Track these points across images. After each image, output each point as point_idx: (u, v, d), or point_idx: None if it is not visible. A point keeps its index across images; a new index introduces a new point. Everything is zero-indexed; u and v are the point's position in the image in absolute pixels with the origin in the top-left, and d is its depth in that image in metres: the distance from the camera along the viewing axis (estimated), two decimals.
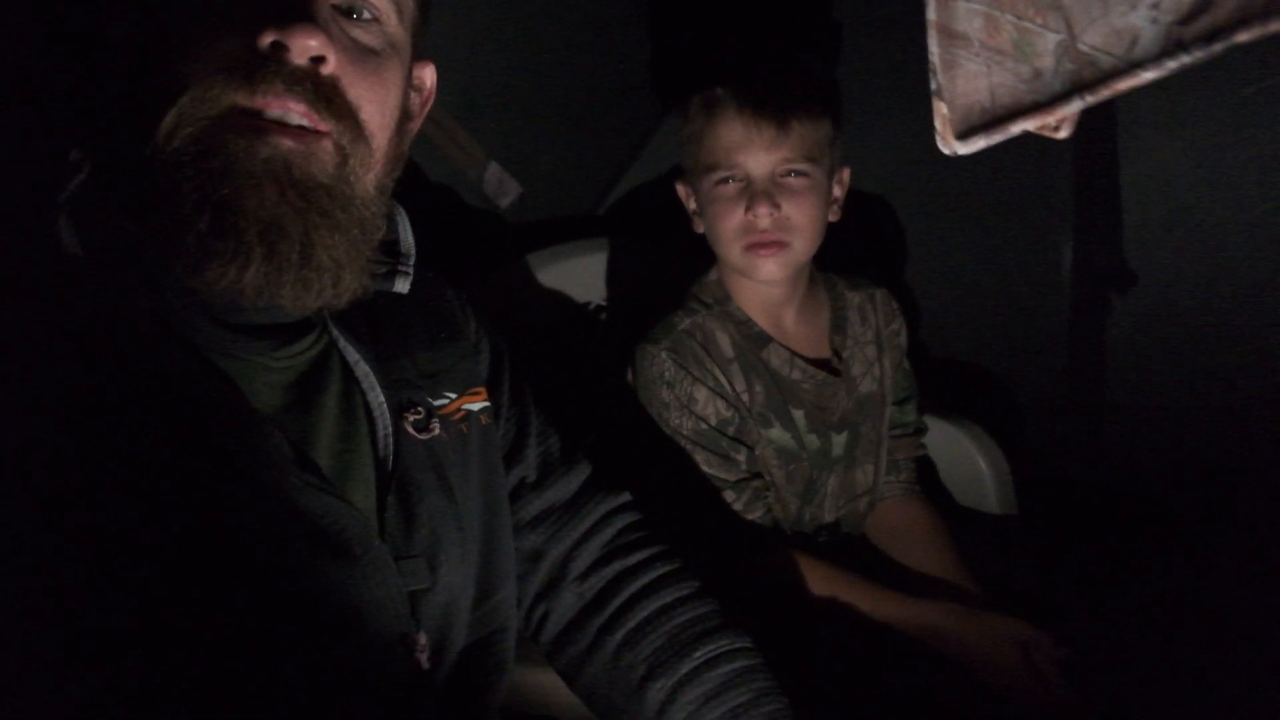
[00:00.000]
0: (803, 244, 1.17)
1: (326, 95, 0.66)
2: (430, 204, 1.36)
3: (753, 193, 1.14)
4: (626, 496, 0.96)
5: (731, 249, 1.18)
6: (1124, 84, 0.54)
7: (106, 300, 0.63)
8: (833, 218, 1.21)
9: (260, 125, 0.63)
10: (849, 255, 1.30)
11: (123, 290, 0.64)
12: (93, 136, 0.67)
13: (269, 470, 0.66)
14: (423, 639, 0.73)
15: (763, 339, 1.22)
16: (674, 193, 1.28)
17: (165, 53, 0.64)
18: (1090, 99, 0.55)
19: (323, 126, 0.66)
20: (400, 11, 0.73)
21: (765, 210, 1.13)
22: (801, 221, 1.16)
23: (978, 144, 0.60)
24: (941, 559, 1.21)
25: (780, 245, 1.15)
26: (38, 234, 0.63)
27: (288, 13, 0.64)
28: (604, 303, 1.46)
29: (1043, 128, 0.58)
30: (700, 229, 1.25)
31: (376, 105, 0.70)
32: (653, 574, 0.90)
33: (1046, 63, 0.57)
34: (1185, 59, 0.51)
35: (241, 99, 0.63)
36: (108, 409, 0.60)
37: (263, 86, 0.63)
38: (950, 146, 0.60)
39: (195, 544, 0.61)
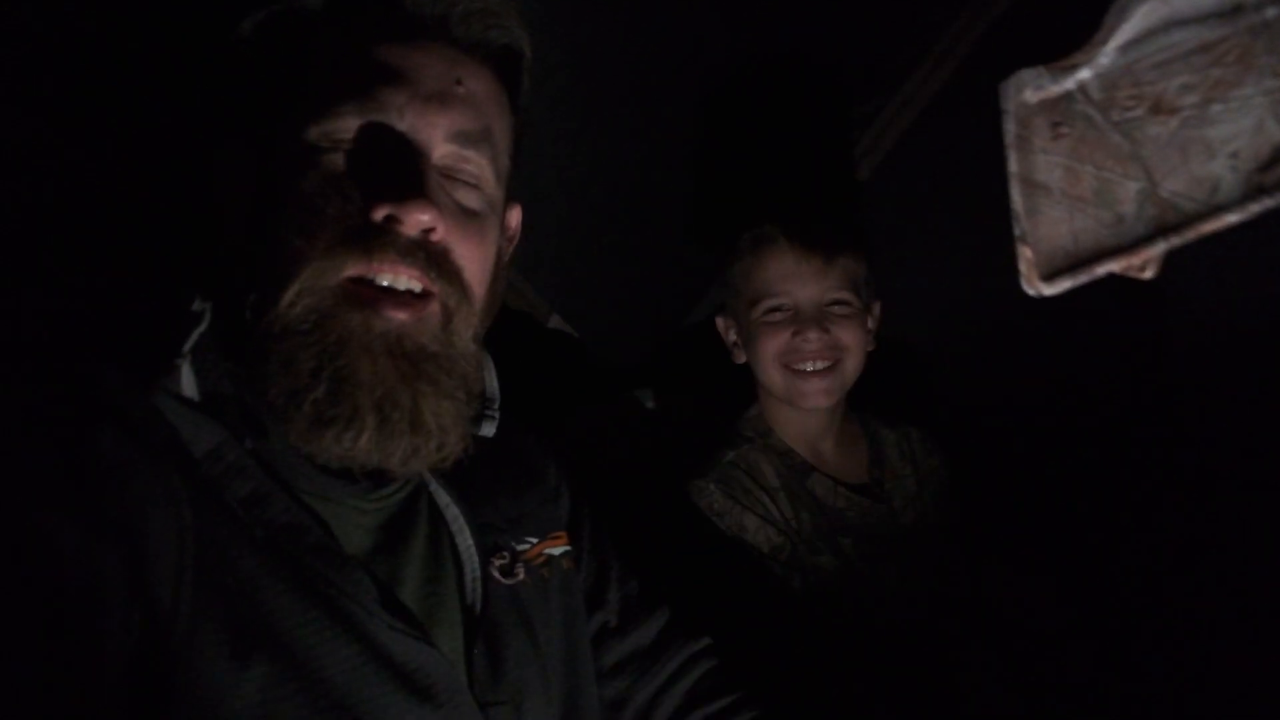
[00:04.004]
0: (851, 364, 1.23)
1: (437, 261, 0.70)
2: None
3: (802, 319, 1.21)
4: (706, 641, 0.96)
5: (775, 372, 1.23)
6: (1208, 226, 0.56)
7: (216, 443, 0.66)
8: (869, 347, 1.27)
9: (373, 296, 0.67)
10: None
11: (232, 433, 0.67)
12: (209, 288, 0.71)
13: (357, 612, 0.66)
14: None
15: (805, 468, 1.26)
16: (718, 344, 1.33)
17: (284, 221, 0.68)
18: (1176, 241, 0.58)
19: (433, 289, 0.70)
20: (497, 173, 0.78)
21: (815, 334, 1.20)
22: (849, 342, 1.22)
23: (1063, 285, 0.62)
24: None
25: (830, 370, 1.21)
26: (162, 378, 0.66)
27: (401, 188, 0.68)
28: (659, 449, 1.48)
29: (1128, 269, 0.60)
30: (741, 359, 1.30)
31: (478, 264, 0.75)
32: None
33: (1128, 209, 0.60)
34: (1268, 202, 0.54)
35: (358, 268, 0.67)
36: (210, 541, 0.62)
37: (378, 256, 0.67)
38: (1036, 288, 0.62)
39: (281, 684, 0.61)
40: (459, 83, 0.74)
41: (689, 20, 1.31)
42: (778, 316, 1.23)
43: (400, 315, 0.68)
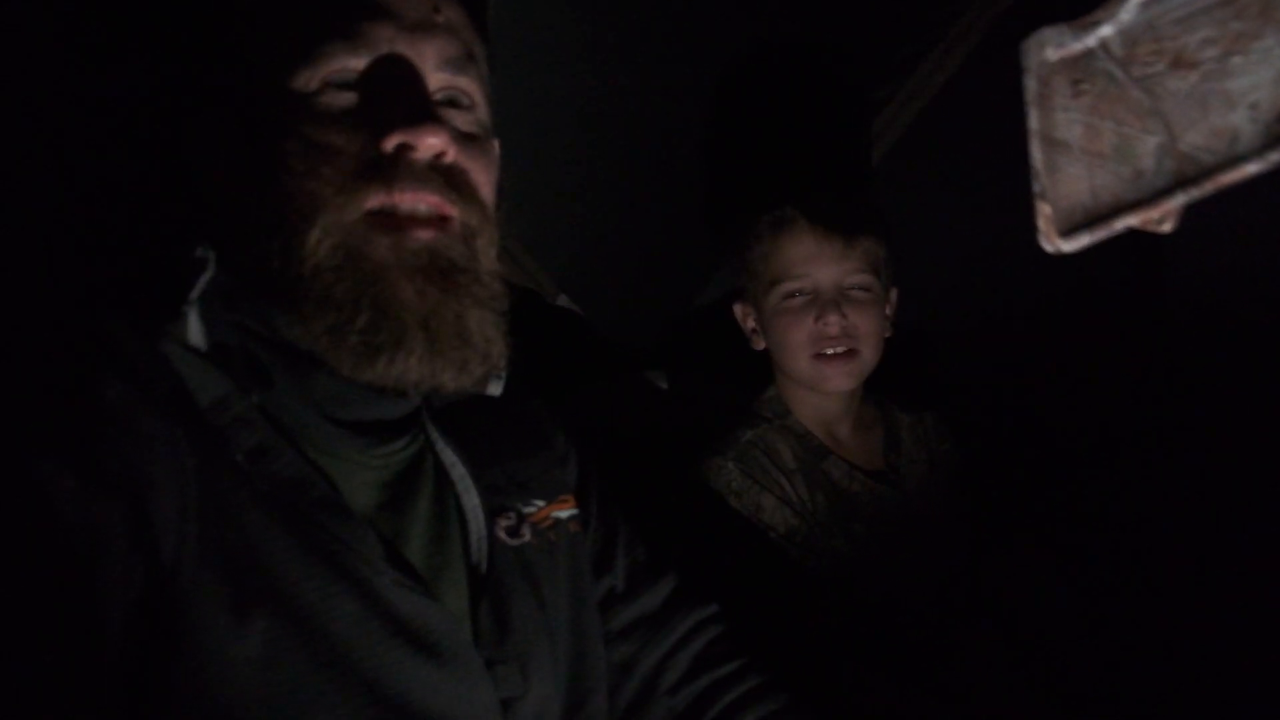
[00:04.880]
0: (869, 352, 1.22)
1: (454, 184, 0.70)
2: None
3: (822, 303, 1.20)
4: (715, 607, 0.95)
5: (799, 358, 1.22)
6: (1227, 177, 0.56)
7: (222, 393, 0.66)
8: (887, 334, 1.26)
9: (397, 223, 0.67)
10: None
11: (237, 384, 0.67)
12: (212, 235, 0.71)
13: (361, 567, 0.66)
14: None
15: (822, 451, 1.25)
16: (730, 326, 1.33)
17: (289, 166, 0.67)
18: (1194, 193, 0.58)
19: (451, 211, 0.70)
20: (485, 96, 0.78)
21: (835, 319, 1.19)
22: (868, 330, 1.21)
23: (1082, 240, 0.62)
24: None
25: (850, 354, 1.20)
26: (169, 325, 0.66)
27: (408, 115, 0.68)
28: (666, 426, 1.48)
29: (1146, 222, 0.60)
30: (760, 345, 1.29)
31: (489, 185, 0.75)
32: (744, 687, 0.88)
33: (1147, 163, 0.60)
34: None
35: (378, 199, 0.67)
36: (213, 493, 0.62)
37: (398, 184, 0.67)
38: (1054, 244, 0.63)
39: (284, 637, 0.61)
40: (436, 10, 0.74)
41: (700, 4, 1.31)
42: (798, 301, 1.22)
43: (425, 233, 0.68)
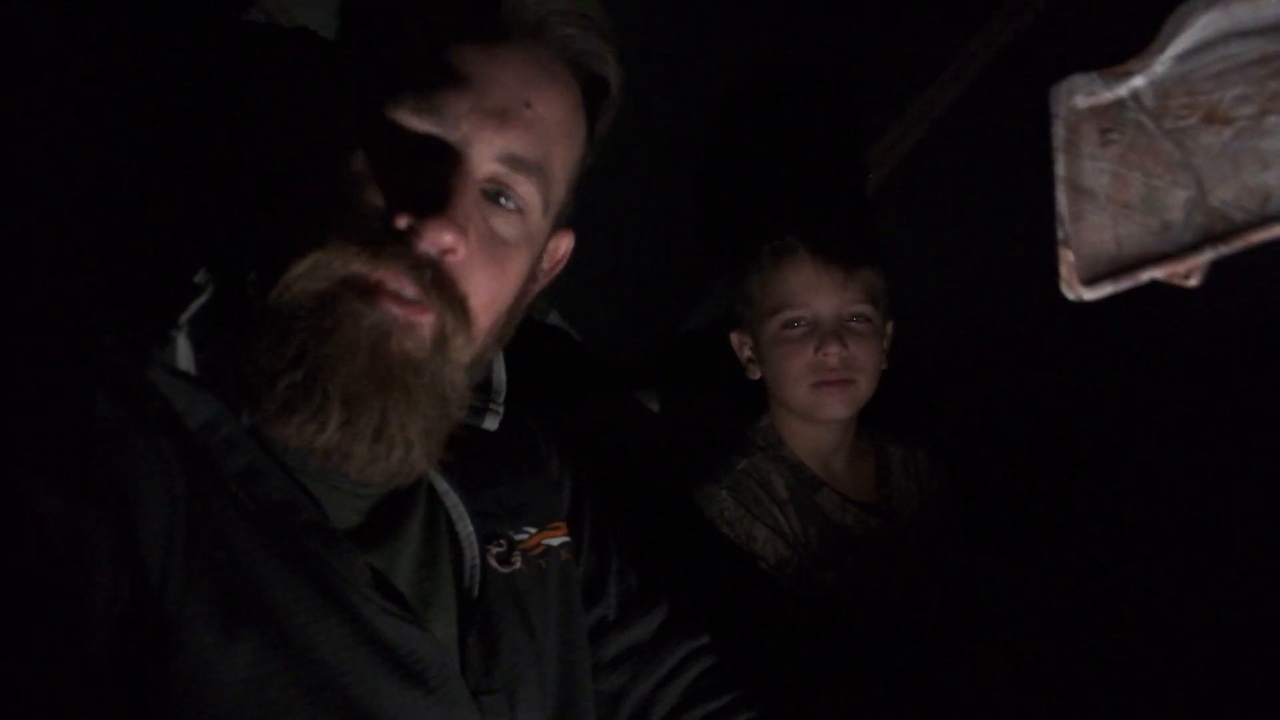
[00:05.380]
0: (866, 383, 1.21)
1: (442, 284, 0.66)
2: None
3: (822, 333, 1.19)
4: (706, 638, 0.94)
5: (798, 388, 1.21)
6: (1258, 236, 0.56)
7: (211, 416, 0.64)
8: (883, 365, 1.26)
9: (374, 289, 0.64)
10: None
11: (228, 407, 0.65)
12: (218, 258, 0.69)
13: (350, 593, 0.65)
14: None
15: (815, 483, 1.24)
16: (724, 346, 1.32)
17: (307, 204, 0.66)
18: (1224, 250, 0.57)
19: (427, 309, 0.66)
20: (547, 205, 0.73)
21: (835, 349, 1.18)
22: (866, 362, 1.20)
23: (1104, 290, 0.61)
24: None
25: (847, 383, 1.19)
26: (156, 349, 0.64)
27: (429, 201, 0.65)
28: (657, 449, 1.46)
29: (1172, 276, 0.60)
30: (755, 375, 1.28)
31: (490, 293, 0.71)
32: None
33: (1176, 216, 0.60)
34: None
35: (360, 268, 0.64)
36: (202, 513, 0.60)
37: (385, 264, 0.64)
38: (1076, 292, 0.62)
39: (272, 660, 0.60)
40: (528, 105, 0.70)
41: (701, 25, 1.30)
42: (797, 331, 1.21)
43: (395, 309, 0.64)
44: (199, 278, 0.66)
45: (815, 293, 1.20)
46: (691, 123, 1.43)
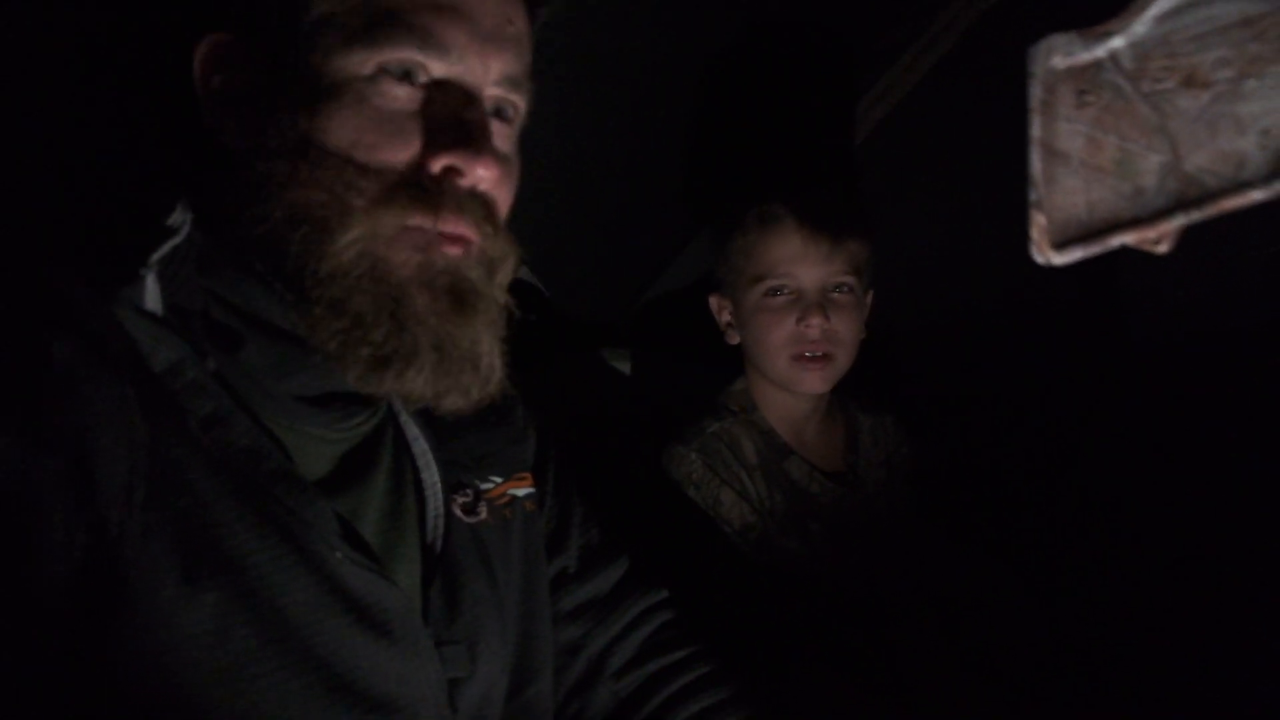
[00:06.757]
0: (845, 357, 1.21)
1: (488, 213, 0.69)
2: None
3: (805, 304, 1.18)
4: (665, 593, 0.95)
5: (778, 359, 1.20)
6: (1231, 203, 0.56)
7: (177, 358, 0.63)
8: (861, 336, 1.25)
9: (427, 240, 0.65)
10: None
11: (194, 350, 0.64)
12: (208, 194, 0.67)
13: (315, 542, 0.64)
14: None
15: (785, 450, 1.24)
16: (700, 306, 1.31)
17: (327, 157, 0.64)
18: (1195, 215, 0.57)
19: (478, 240, 0.68)
20: (527, 104, 0.75)
21: (817, 321, 1.17)
22: (846, 335, 1.20)
23: (1074, 255, 0.61)
24: None
25: (827, 359, 1.18)
26: (124, 288, 0.62)
27: (464, 139, 0.66)
28: (627, 409, 1.46)
29: (1142, 241, 0.59)
30: (734, 340, 1.27)
31: (506, 207, 0.73)
32: (691, 675, 0.88)
33: (1149, 181, 0.59)
34: None
35: (421, 220, 0.65)
36: (164, 460, 0.59)
37: (443, 210, 0.65)
38: (1046, 256, 0.61)
39: (233, 611, 0.59)
40: (510, 22, 0.70)
41: None
42: (779, 300, 1.20)
43: (454, 250, 0.66)
44: (174, 218, 0.65)
45: (800, 263, 1.19)
46: (673, 73, 1.40)
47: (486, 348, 0.69)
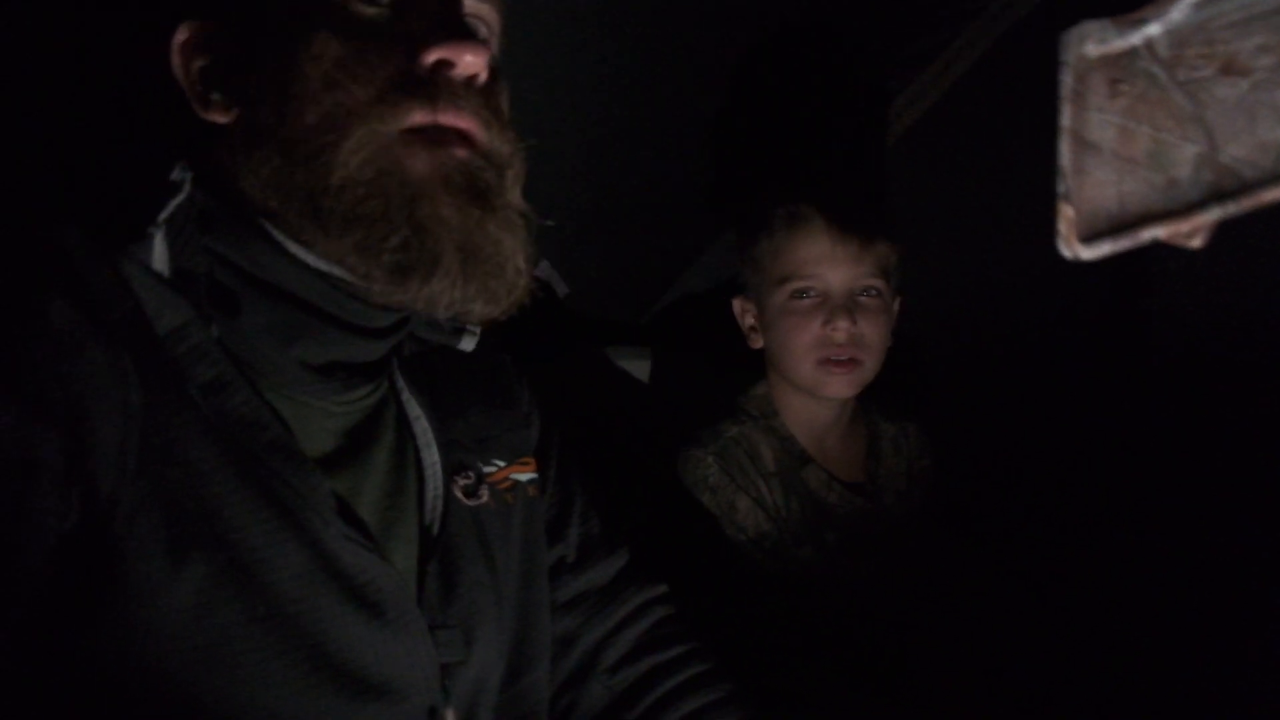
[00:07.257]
0: (872, 363, 1.18)
1: (489, 107, 0.67)
2: None
3: (832, 307, 1.16)
4: (663, 588, 0.93)
5: (803, 363, 1.18)
6: (1269, 195, 0.53)
7: (181, 321, 0.62)
8: (888, 343, 1.22)
9: (436, 138, 0.64)
10: None
11: (198, 315, 0.63)
12: (202, 150, 0.66)
13: (310, 517, 0.63)
14: (450, 716, 0.69)
15: (803, 458, 1.22)
16: (723, 308, 1.29)
17: (315, 76, 0.63)
18: (1231, 208, 0.54)
19: (483, 136, 0.66)
20: (501, 30, 0.75)
21: (844, 324, 1.14)
22: (874, 340, 1.17)
23: (1103, 249, 0.58)
24: None
25: (854, 363, 1.16)
26: (132, 246, 0.62)
27: (450, 31, 0.65)
28: (642, 409, 1.44)
29: (1174, 235, 0.57)
30: (757, 345, 1.25)
31: (506, 115, 0.71)
32: (687, 673, 0.86)
33: (1183, 172, 0.57)
34: None
35: (421, 116, 0.63)
36: (159, 427, 0.58)
37: (441, 101, 0.63)
38: (1074, 250, 0.59)
39: (220, 587, 0.58)
40: None
41: None
42: (806, 302, 1.17)
43: (463, 153, 0.64)
44: (175, 175, 0.64)
45: (828, 264, 1.16)
46: (701, 73, 1.39)
47: (510, 250, 0.66)
